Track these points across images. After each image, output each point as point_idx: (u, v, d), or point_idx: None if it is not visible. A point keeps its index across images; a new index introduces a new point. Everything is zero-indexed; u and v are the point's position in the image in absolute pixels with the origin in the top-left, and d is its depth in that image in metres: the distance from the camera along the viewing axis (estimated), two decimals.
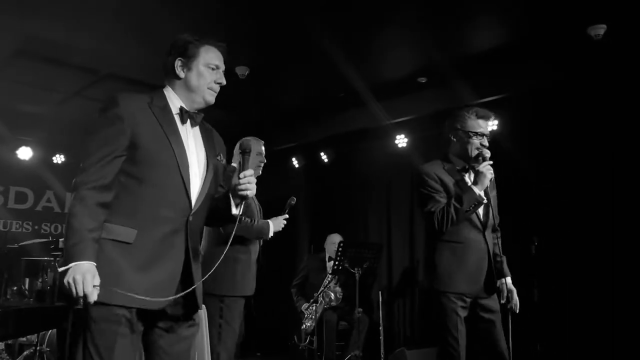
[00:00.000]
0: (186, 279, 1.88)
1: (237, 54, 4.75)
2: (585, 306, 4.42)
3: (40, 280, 3.77)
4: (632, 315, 4.14)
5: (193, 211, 1.91)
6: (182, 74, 1.98)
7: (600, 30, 4.01)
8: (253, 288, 3.47)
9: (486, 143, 2.82)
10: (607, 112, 4.50)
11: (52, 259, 3.87)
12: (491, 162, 2.71)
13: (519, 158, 4.72)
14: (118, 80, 5.37)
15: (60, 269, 1.71)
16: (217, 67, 2.02)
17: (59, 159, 7.19)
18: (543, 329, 4.33)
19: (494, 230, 2.85)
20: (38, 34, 4.47)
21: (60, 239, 5.29)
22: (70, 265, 1.68)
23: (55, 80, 5.44)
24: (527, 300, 4.30)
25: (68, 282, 1.66)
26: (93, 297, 1.68)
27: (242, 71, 4.90)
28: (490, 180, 2.74)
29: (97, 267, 1.71)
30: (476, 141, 2.79)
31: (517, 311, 2.83)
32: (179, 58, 1.97)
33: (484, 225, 2.78)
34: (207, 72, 1.99)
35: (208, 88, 2.00)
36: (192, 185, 1.91)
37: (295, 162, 6.96)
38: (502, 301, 2.78)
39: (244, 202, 1.98)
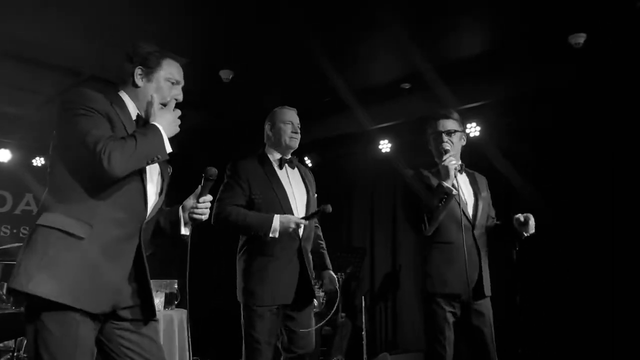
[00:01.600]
0: (139, 283, 1.86)
1: (221, 57, 4.74)
2: (567, 310, 4.48)
3: None
4: (614, 318, 4.20)
5: (147, 218, 1.88)
6: (140, 83, 1.93)
7: (581, 38, 4.07)
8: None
9: (452, 139, 2.89)
10: (587, 118, 4.57)
11: None
12: (452, 153, 2.79)
13: (501, 164, 4.77)
14: (99, 83, 5.31)
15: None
16: (177, 83, 1.99)
17: (38, 161, 7.08)
18: (524, 333, 4.37)
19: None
20: (18, 35, 4.40)
21: None
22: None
23: (35, 82, 5.36)
24: (509, 305, 4.34)
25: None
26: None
27: (226, 75, 4.88)
28: (475, 180, 2.93)
29: (42, 257, 1.64)
30: (441, 139, 2.88)
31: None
32: (140, 67, 1.93)
33: (473, 224, 2.82)
34: (166, 87, 1.95)
35: (161, 103, 1.95)
36: (148, 191, 1.88)
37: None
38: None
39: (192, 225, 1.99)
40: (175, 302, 4.72)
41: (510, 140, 5.02)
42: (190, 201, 1.98)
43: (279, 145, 2.93)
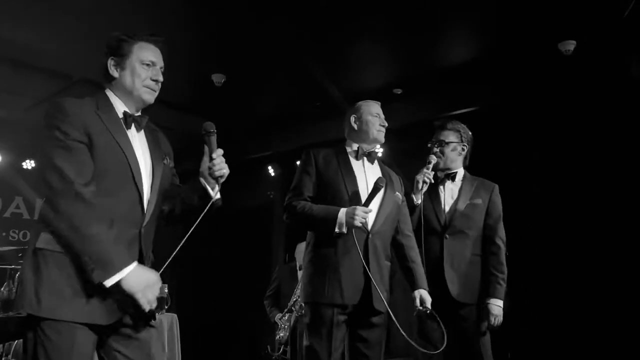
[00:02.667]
0: None
1: (214, 61, 4.74)
2: (557, 314, 4.50)
3: (6, 288, 3.66)
4: (605, 322, 4.22)
5: (145, 222, 1.83)
6: (115, 74, 1.87)
7: (570, 45, 4.12)
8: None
9: (444, 149, 2.97)
10: (576, 124, 4.61)
11: (19, 267, 3.77)
12: (432, 165, 2.83)
13: (490, 170, 4.79)
14: (89, 86, 5.29)
15: (110, 284, 1.61)
16: (153, 64, 1.90)
17: (28, 164, 7.04)
18: (514, 337, 4.39)
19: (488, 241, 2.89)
20: (5, 37, 4.38)
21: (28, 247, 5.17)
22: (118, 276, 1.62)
23: (25, 85, 5.34)
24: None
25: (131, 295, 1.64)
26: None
27: (218, 79, 4.88)
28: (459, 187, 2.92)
29: (45, 279, 1.64)
30: (430, 150, 2.94)
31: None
32: (112, 57, 1.87)
33: (444, 229, 2.84)
34: (141, 70, 1.87)
35: (144, 86, 1.88)
36: (144, 195, 1.82)
37: (271, 170, 6.94)
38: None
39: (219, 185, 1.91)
40: (165, 307, 4.69)
41: (500, 145, 5.05)
42: (204, 165, 1.90)
43: (365, 138, 2.69)
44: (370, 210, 2.44)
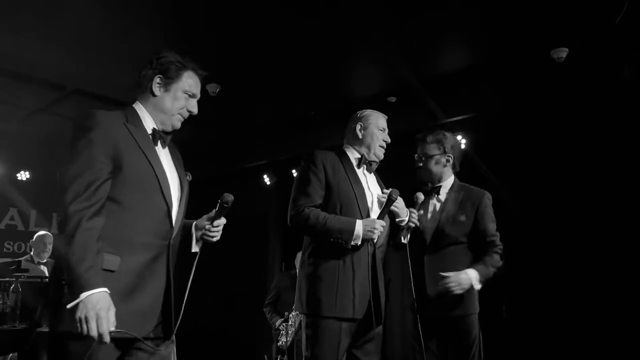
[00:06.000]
0: (167, 303, 1.83)
1: (208, 71, 4.73)
2: (553, 322, 4.50)
3: (0, 301, 3.64)
4: (600, 330, 4.22)
5: (174, 235, 1.86)
6: (157, 92, 1.91)
7: (563, 53, 4.15)
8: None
9: (425, 162, 2.98)
10: (570, 131, 4.63)
11: (13, 279, 3.75)
12: (414, 213, 2.70)
13: (486, 176, 4.81)
14: (83, 97, 5.29)
15: (70, 305, 1.54)
16: (194, 96, 1.98)
17: (23, 175, 7.01)
18: (511, 344, 4.39)
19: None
20: (2, 49, 4.38)
21: (21, 259, 5.14)
22: (81, 297, 1.53)
23: (19, 96, 5.33)
24: (496, 317, 4.36)
25: (80, 319, 1.52)
26: (107, 337, 1.54)
27: (212, 88, 4.89)
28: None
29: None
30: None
31: None
32: (159, 76, 1.91)
33: (425, 248, 2.83)
34: (183, 98, 1.94)
35: (179, 114, 1.95)
36: (173, 209, 1.85)
37: (266, 179, 6.94)
38: None
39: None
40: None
41: (495, 152, 5.07)
42: (203, 221, 1.97)
43: (367, 150, 2.67)
44: (384, 224, 2.44)
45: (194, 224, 2.00)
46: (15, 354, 3.86)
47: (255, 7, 3.75)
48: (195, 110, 1.98)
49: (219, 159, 7.02)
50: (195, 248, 1.98)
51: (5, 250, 7.12)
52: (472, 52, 4.49)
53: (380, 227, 2.39)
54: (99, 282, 1.57)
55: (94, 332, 1.53)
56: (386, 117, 2.77)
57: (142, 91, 1.93)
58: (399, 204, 2.55)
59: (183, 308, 1.88)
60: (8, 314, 3.63)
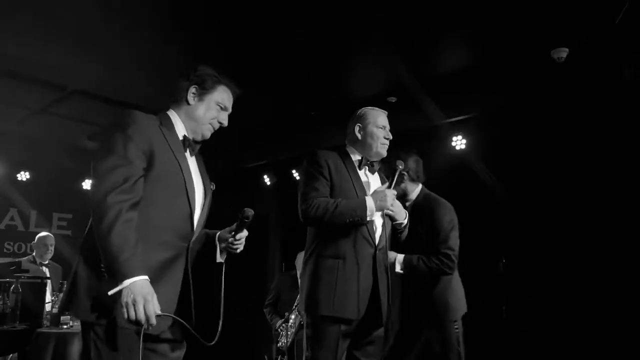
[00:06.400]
0: (184, 302, 1.87)
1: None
2: (554, 322, 4.50)
3: (0, 302, 3.64)
4: (600, 330, 4.22)
5: (194, 238, 1.92)
6: (192, 102, 2.00)
7: (563, 53, 4.14)
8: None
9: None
10: (570, 131, 4.63)
11: (13, 280, 3.75)
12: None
13: (486, 177, 4.81)
14: (84, 97, 5.29)
15: (112, 292, 1.59)
16: (226, 109, 2.08)
17: (23, 176, 7.01)
18: (511, 345, 4.38)
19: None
20: (2, 49, 4.38)
21: (24, 259, 5.14)
22: (125, 284, 1.58)
23: (18, 96, 5.33)
24: (496, 317, 4.36)
25: (127, 304, 1.57)
26: (154, 319, 1.60)
27: None
28: None
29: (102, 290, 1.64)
30: None
31: None
32: (195, 86, 2.00)
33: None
34: (215, 109, 2.03)
35: (210, 124, 2.03)
36: (195, 212, 1.92)
37: (266, 179, 6.94)
38: None
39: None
40: None
41: (495, 152, 5.07)
42: (225, 234, 2.04)
43: (368, 150, 2.65)
44: (395, 193, 2.48)
45: (217, 235, 2.07)
46: (16, 354, 3.86)
47: (256, 7, 3.75)
48: (225, 122, 2.08)
49: (219, 159, 7.02)
50: (220, 259, 2.07)
51: (5, 250, 7.12)
52: (472, 52, 4.49)
53: (391, 195, 2.42)
54: (141, 270, 1.62)
55: (141, 315, 1.58)
56: (386, 112, 2.75)
57: (176, 100, 2.03)
58: (396, 207, 2.54)
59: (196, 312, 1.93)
60: (8, 314, 3.64)
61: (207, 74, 2.03)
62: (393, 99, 5.22)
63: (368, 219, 2.40)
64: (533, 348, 4.56)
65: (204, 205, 1.99)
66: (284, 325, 5.37)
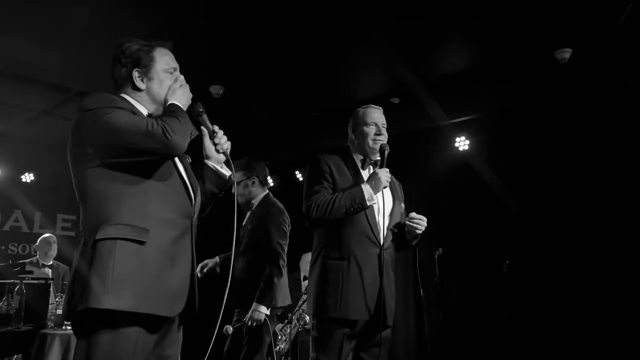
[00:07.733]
0: (191, 286, 1.82)
1: (212, 73, 4.75)
2: (555, 324, 4.48)
3: (4, 303, 3.65)
4: (601, 331, 4.21)
5: (195, 213, 1.87)
6: (142, 86, 1.86)
7: (566, 53, 4.14)
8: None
9: None
10: (573, 131, 4.62)
11: (17, 281, 3.76)
12: None
13: (489, 178, 4.81)
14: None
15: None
16: (175, 69, 1.93)
17: (28, 177, 7.03)
18: (513, 347, 4.37)
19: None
20: (4, 51, 4.40)
21: (26, 260, 5.15)
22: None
23: (22, 98, 5.35)
24: (497, 319, 4.35)
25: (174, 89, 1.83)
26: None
27: (216, 90, 4.89)
28: None
29: (113, 270, 1.59)
30: None
31: None
32: (136, 69, 1.85)
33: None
34: (168, 78, 1.89)
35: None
36: (188, 184, 1.86)
37: (269, 181, 6.93)
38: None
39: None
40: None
41: (498, 153, 5.06)
42: (208, 146, 2.00)
43: (362, 149, 2.65)
44: (387, 170, 2.51)
45: (203, 161, 2.03)
46: (20, 355, 3.87)
47: (259, 10, 3.76)
48: (183, 81, 1.92)
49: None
50: (225, 171, 2.05)
51: (10, 251, 7.14)
52: (476, 52, 4.48)
53: (383, 173, 2.46)
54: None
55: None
56: (379, 108, 2.73)
57: (123, 87, 1.88)
58: (422, 222, 2.54)
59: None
60: (12, 315, 3.65)
61: (137, 49, 1.86)
62: (396, 100, 5.21)
63: (368, 203, 2.43)
64: (534, 350, 4.54)
65: (189, 179, 1.90)
66: (285, 328, 5.36)
